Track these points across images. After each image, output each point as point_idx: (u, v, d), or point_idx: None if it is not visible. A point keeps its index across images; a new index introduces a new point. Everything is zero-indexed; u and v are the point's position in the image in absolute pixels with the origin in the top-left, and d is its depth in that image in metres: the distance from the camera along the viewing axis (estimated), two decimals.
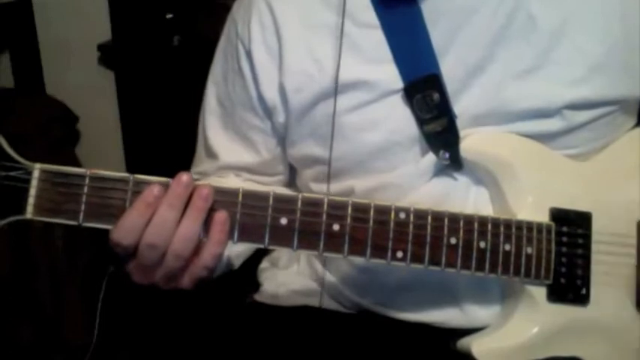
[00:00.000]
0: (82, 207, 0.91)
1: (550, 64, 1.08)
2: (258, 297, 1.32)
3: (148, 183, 0.92)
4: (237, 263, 1.23)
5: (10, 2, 2.58)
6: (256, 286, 1.35)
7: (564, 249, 1.07)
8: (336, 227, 0.97)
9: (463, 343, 1.10)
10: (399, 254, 0.99)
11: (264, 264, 1.37)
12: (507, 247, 1.03)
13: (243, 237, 0.95)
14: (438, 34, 1.07)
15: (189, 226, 0.91)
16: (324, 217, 0.96)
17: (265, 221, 0.95)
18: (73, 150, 2.74)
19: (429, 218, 1.00)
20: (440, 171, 1.12)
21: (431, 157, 1.10)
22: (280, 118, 1.17)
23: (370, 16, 1.09)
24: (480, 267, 1.02)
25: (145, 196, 0.91)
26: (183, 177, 0.91)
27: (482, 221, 1.02)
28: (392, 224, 0.98)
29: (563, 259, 1.07)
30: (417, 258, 1.00)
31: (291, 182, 1.29)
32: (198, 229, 0.92)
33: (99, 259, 2.10)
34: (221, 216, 0.93)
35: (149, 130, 2.57)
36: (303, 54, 1.12)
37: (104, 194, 0.92)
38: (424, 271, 1.01)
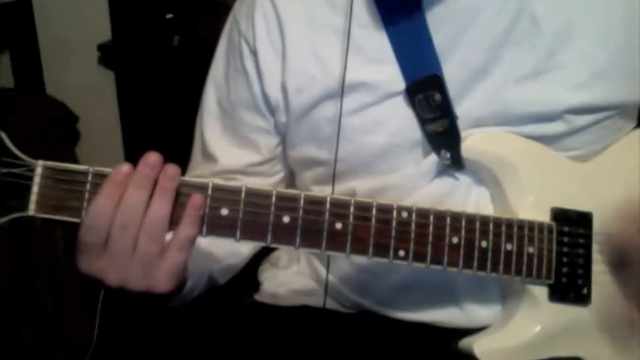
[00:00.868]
0: (85, 204, 0.90)
1: (553, 69, 1.08)
2: (258, 297, 1.32)
3: None
4: (221, 280, 1.23)
5: (10, 2, 2.57)
6: (256, 286, 1.35)
7: (565, 249, 1.07)
8: (338, 226, 0.96)
9: (465, 343, 1.10)
10: (401, 253, 0.99)
11: (265, 264, 1.37)
12: (509, 246, 1.03)
13: (246, 235, 0.94)
14: (441, 35, 1.08)
15: (158, 207, 0.90)
16: (327, 215, 0.96)
17: (268, 219, 0.95)
18: (73, 150, 2.74)
19: (431, 217, 1.00)
20: (441, 171, 1.12)
21: (433, 158, 1.10)
22: (282, 117, 1.17)
23: (373, 17, 1.09)
24: (482, 266, 1.02)
25: (112, 176, 0.90)
26: (151, 157, 0.90)
27: (484, 220, 1.02)
28: (394, 223, 0.98)
29: (565, 259, 1.07)
30: (419, 257, 1.00)
31: (288, 184, 1.29)
32: (167, 210, 0.90)
33: None
34: (195, 198, 0.92)
35: (149, 130, 2.56)
36: (306, 54, 1.12)
37: None
38: (424, 271, 1.01)
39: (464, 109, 1.09)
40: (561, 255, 1.07)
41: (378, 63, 1.10)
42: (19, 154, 0.90)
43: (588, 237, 1.08)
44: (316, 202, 0.96)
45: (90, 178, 0.91)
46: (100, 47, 2.64)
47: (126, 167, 0.90)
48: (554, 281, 1.06)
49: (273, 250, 1.34)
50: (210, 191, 0.93)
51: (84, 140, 2.79)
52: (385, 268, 1.02)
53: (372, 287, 1.19)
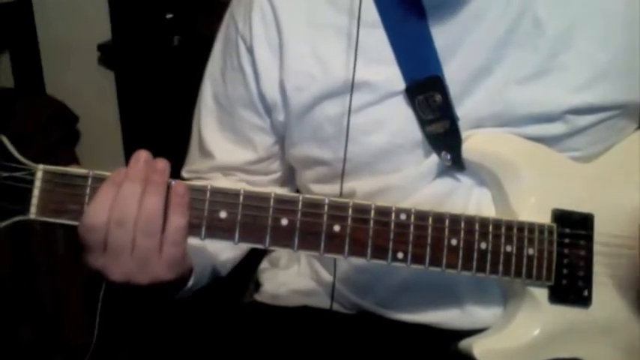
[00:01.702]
0: (85, 207, 0.91)
1: (555, 70, 1.08)
2: (258, 297, 1.32)
3: None
4: (224, 271, 1.23)
5: (10, 2, 2.57)
6: (256, 286, 1.35)
7: (566, 250, 1.07)
8: (336, 228, 0.97)
9: (464, 344, 1.10)
10: (400, 255, 0.99)
11: (265, 264, 1.36)
12: (508, 248, 1.03)
13: (245, 238, 0.95)
14: (443, 36, 1.07)
15: (150, 200, 0.91)
16: (325, 218, 0.96)
17: (266, 222, 0.95)
18: (73, 150, 2.74)
19: (430, 219, 1.00)
20: (442, 172, 1.12)
21: (434, 159, 1.10)
22: (280, 116, 1.17)
23: (373, 15, 1.09)
24: (481, 268, 1.02)
25: (110, 178, 0.91)
26: (141, 153, 0.92)
27: (484, 222, 1.02)
28: (392, 225, 0.98)
29: (565, 261, 1.07)
30: (418, 259, 1.00)
31: (285, 182, 1.29)
32: (159, 203, 0.91)
33: None
34: (178, 186, 0.92)
35: (149, 130, 2.56)
36: (306, 53, 1.12)
37: None
38: (425, 272, 1.01)
39: (465, 109, 1.09)
40: (562, 256, 1.06)
41: (378, 63, 1.09)
42: (20, 158, 0.91)
43: (589, 238, 1.08)
44: (314, 205, 0.96)
45: (90, 181, 0.92)
46: (100, 47, 2.64)
47: (123, 169, 0.91)
48: (555, 283, 1.06)
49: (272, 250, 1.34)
50: (208, 194, 0.94)
51: (84, 140, 2.80)
52: (385, 269, 1.02)
53: (372, 288, 1.19)
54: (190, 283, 1.05)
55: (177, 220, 0.92)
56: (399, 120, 1.10)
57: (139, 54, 2.53)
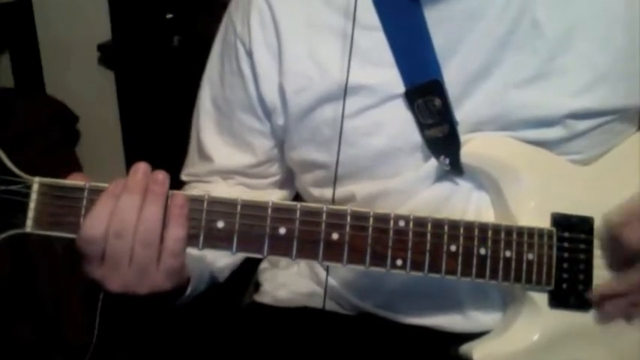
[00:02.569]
0: (82, 220, 0.91)
1: (554, 73, 1.07)
2: (258, 297, 1.32)
3: None
4: (221, 277, 1.23)
5: (10, 2, 2.58)
6: (256, 286, 1.35)
7: (566, 254, 1.06)
8: (335, 236, 0.96)
9: (464, 348, 1.09)
10: (399, 262, 0.99)
11: (265, 264, 1.36)
12: (508, 253, 1.03)
13: (242, 247, 0.94)
14: (441, 38, 1.07)
15: (149, 211, 0.90)
16: (323, 226, 0.96)
17: (264, 231, 0.95)
18: (73, 150, 2.74)
19: (429, 226, 1.00)
20: (441, 176, 1.11)
21: (433, 163, 1.10)
22: (279, 120, 1.16)
23: (372, 17, 1.09)
24: (481, 274, 1.02)
25: (108, 189, 0.91)
26: (140, 165, 0.92)
27: (483, 228, 1.02)
28: (391, 232, 0.98)
29: (565, 265, 1.06)
30: (417, 266, 0.99)
31: (284, 185, 1.29)
32: (159, 214, 0.91)
33: None
34: (177, 197, 0.92)
35: (149, 130, 2.57)
36: (304, 55, 1.12)
37: None
38: (425, 277, 1.01)
39: (464, 113, 1.09)
40: (562, 261, 1.06)
41: (377, 66, 1.09)
42: (15, 170, 0.91)
43: (589, 242, 1.08)
44: (312, 213, 0.96)
45: (86, 194, 0.91)
46: (100, 47, 2.64)
47: (121, 180, 0.91)
48: (555, 287, 1.06)
49: None
50: (206, 204, 0.94)
51: (84, 140, 2.80)
52: (386, 273, 1.02)
53: (373, 291, 1.19)
54: (188, 291, 1.06)
55: (177, 231, 0.92)
56: (398, 123, 1.09)
57: (139, 54, 2.53)
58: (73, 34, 2.67)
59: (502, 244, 1.02)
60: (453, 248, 1.00)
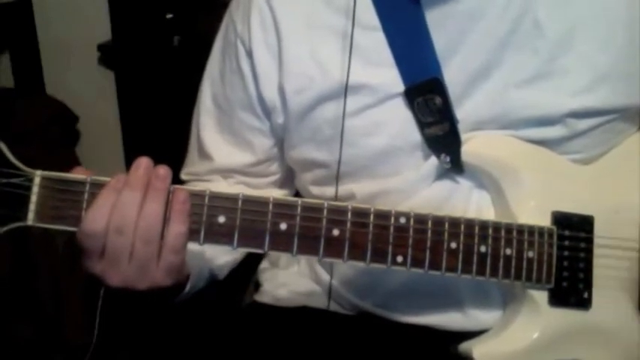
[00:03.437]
0: (83, 213, 0.91)
1: (555, 73, 1.07)
2: (258, 297, 1.32)
3: None
4: (221, 275, 1.24)
5: (10, 2, 2.58)
6: (256, 286, 1.35)
7: (566, 253, 1.06)
8: (335, 232, 0.96)
9: (464, 347, 1.09)
10: (399, 259, 0.99)
11: (265, 264, 1.36)
12: (508, 251, 1.03)
13: (243, 242, 0.95)
14: (442, 38, 1.07)
15: (151, 207, 0.90)
16: (324, 222, 0.96)
17: (265, 226, 0.95)
18: (73, 150, 2.74)
19: (430, 223, 1.00)
20: (442, 175, 1.11)
21: (433, 161, 1.10)
22: (279, 119, 1.16)
23: (372, 17, 1.09)
24: (481, 271, 1.02)
25: (110, 184, 0.91)
26: (142, 160, 0.92)
27: (483, 225, 1.02)
28: (392, 229, 0.98)
29: (565, 263, 1.06)
30: (417, 262, 1.00)
31: (284, 184, 1.29)
32: (160, 210, 0.91)
33: None
34: (179, 193, 0.92)
35: (149, 130, 2.57)
36: (305, 55, 1.12)
37: None
38: (425, 275, 1.01)
39: (464, 112, 1.09)
40: (562, 259, 1.06)
41: (377, 65, 1.09)
42: (17, 164, 0.90)
43: (590, 241, 1.08)
44: (313, 209, 0.96)
45: (88, 187, 0.91)
46: (100, 47, 2.64)
47: (123, 175, 0.91)
48: (555, 286, 1.06)
49: None
50: (207, 199, 0.94)
51: (84, 140, 2.80)
52: (386, 272, 1.02)
53: (372, 290, 1.19)
54: (187, 288, 1.06)
55: (178, 227, 0.92)
56: (398, 122, 1.09)
57: (139, 54, 2.53)
58: (73, 34, 2.67)
59: (502, 242, 1.02)
60: (454, 245, 1.01)
